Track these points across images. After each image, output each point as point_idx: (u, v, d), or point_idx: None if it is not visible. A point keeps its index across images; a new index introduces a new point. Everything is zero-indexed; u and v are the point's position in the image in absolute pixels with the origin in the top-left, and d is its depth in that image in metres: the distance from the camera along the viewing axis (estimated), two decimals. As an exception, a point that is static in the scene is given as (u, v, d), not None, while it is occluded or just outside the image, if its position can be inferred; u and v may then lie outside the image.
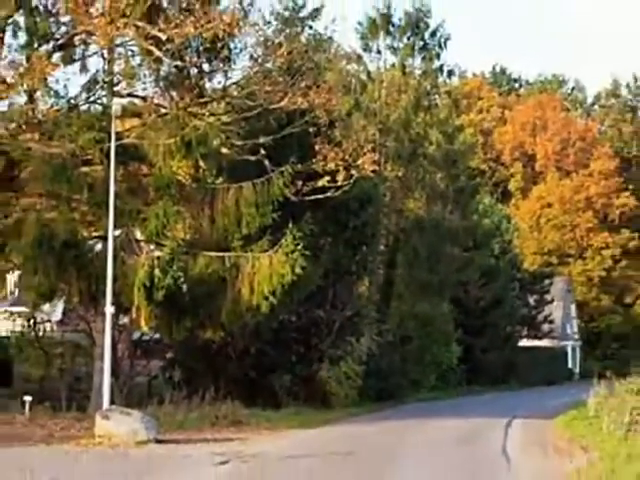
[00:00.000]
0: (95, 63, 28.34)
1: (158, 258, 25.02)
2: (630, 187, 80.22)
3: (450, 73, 48.70)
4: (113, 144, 23.98)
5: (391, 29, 45.59)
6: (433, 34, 46.07)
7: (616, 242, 78.29)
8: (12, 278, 37.81)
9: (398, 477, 17.56)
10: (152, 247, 26.45)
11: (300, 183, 26.67)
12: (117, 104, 24.56)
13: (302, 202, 26.77)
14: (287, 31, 31.06)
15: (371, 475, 17.78)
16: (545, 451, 22.01)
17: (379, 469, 18.52)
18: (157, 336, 30.44)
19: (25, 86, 25.51)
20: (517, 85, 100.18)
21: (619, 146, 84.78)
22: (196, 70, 27.16)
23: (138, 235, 27.04)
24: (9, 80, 25.52)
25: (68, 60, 26.54)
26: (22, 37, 26.31)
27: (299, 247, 25.24)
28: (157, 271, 24.29)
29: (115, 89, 26.36)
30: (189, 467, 18.04)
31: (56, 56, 26.38)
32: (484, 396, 46.45)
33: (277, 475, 17.58)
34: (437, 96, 48.87)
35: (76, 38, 26.43)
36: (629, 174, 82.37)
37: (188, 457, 19.32)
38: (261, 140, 26.24)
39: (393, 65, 46.37)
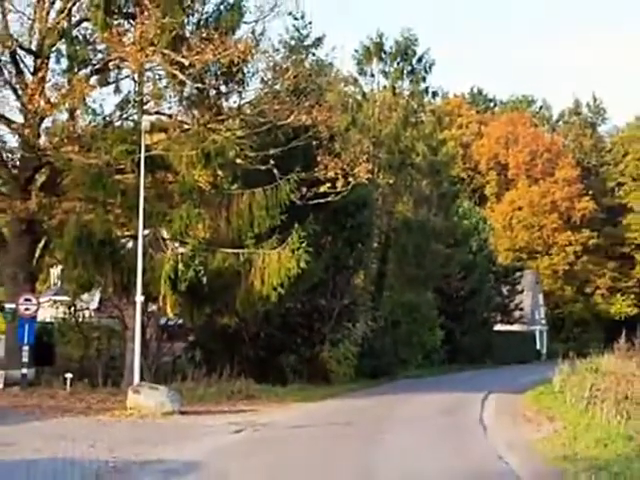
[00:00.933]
0: (127, 85, 28.49)
1: (181, 254, 25.02)
2: (590, 192, 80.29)
3: (434, 94, 48.71)
4: (143, 155, 23.97)
5: (383, 56, 45.61)
6: (419, 60, 46.00)
7: (578, 240, 78.26)
8: (55, 271, 38.06)
9: (390, 443, 17.56)
10: (176, 244, 26.43)
11: (304, 189, 26.70)
12: (146, 121, 24.55)
13: (306, 206, 26.80)
14: (293, 57, 30.97)
15: (367, 441, 17.79)
16: (516, 421, 22.02)
17: (374, 435, 18.54)
18: (181, 321, 30.43)
19: (67, 105, 25.62)
20: (492, 104, 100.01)
21: (580, 157, 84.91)
22: (214, 91, 27.11)
23: (164, 234, 27.02)
24: (53, 100, 25.65)
25: (104, 82, 26.59)
26: (64, 63, 26.44)
27: (303, 245, 25.22)
28: (181, 265, 24.29)
29: (144, 108, 26.32)
30: (209, 434, 18.07)
31: (93, 79, 26.41)
32: (463, 374, 46.36)
33: (286, 441, 17.64)
34: (423, 114, 48.76)
35: (111, 63, 26.45)
36: (589, 181, 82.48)
37: (208, 426, 19.37)
38: (271, 152, 26.16)
39: (385, 87, 46.28)
